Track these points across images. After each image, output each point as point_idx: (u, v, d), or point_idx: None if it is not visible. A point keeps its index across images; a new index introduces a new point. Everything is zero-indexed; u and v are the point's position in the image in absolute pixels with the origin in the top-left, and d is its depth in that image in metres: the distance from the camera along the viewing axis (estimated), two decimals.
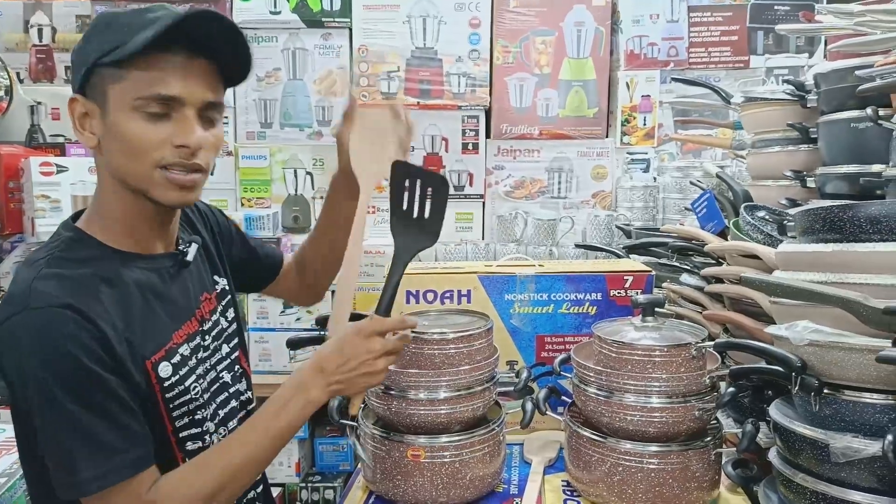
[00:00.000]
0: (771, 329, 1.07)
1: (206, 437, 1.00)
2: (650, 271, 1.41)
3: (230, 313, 1.14)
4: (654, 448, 1.08)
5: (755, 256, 1.24)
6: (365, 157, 1.09)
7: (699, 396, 1.09)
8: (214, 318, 1.08)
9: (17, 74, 2.51)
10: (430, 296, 1.40)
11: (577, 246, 2.06)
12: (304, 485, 2.25)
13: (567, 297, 1.40)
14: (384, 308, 0.99)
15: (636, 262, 1.49)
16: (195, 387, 0.98)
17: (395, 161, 1.02)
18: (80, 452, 0.84)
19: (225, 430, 1.05)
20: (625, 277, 1.40)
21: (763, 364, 1.05)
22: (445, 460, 1.12)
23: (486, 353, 1.19)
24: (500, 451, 1.19)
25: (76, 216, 0.99)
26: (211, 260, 1.13)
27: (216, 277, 1.12)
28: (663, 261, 1.61)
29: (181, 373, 0.96)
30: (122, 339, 0.89)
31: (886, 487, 0.92)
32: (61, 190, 2.04)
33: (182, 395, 0.96)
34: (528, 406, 1.21)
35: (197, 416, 0.98)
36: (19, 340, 0.84)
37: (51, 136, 2.40)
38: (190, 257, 1.03)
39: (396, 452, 1.13)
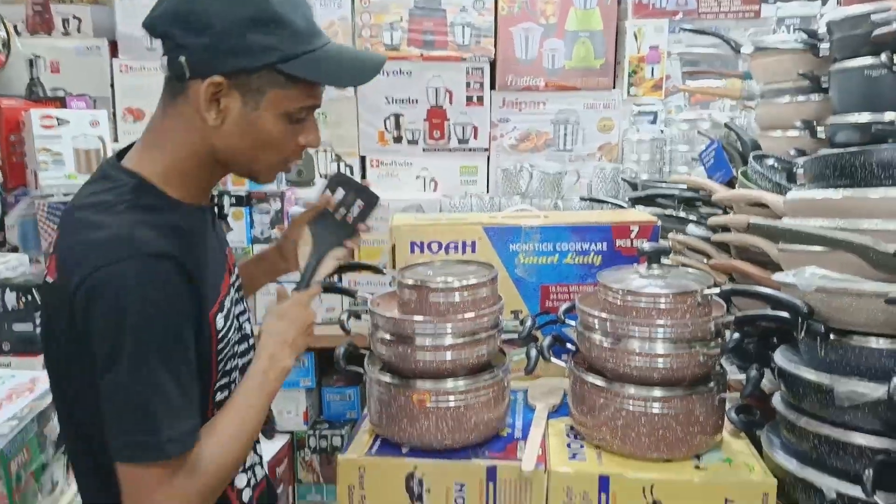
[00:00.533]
0: (778, 276, 1.07)
1: (232, 386, 1.02)
2: (656, 221, 1.40)
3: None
4: (657, 392, 1.08)
5: (763, 205, 1.24)
6: (306, 252, 1.18)
7: (703, 343, 1.09)
8: (237, 270, 1.11)
9: (15, 27, 2.46)
10: (434, 246, 1.40)
11: (583, 199, 2.05)
12: (311, 432, 2.29)
13: (572, 247, 1.39)
14: (305, 284, 1.12)
15: (642, 213, 1.48)
16: (232, 338, 1.00)
17: (336, 173, 1.28)
18: (162, 413, 0.83)
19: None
20: (630, 228, 1.39)
21: (769, 311, 1.05)
22: (450, 404, 1.13)
23: (491, 301, 1.20)
24: (504, 397, 1.20)
25: (119, 156, 0.97)
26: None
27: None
28: (669, 212, 1.60)
29: (227, 324, 0.98)
30: (201, 291, 0.91)
31: (889, 429, 0.93)
32: (63, 143, 2.02)
33: (225, 348, 0.98)
34: (533, 353, 1.21)
35: (228, 367, 1.00)
36: (127, 287, 0.81)
37: (51, 89, 2.37)
38: (227, 210, 1.07)
39: (402, 397, 1.14)
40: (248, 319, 1.12)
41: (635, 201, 1.75)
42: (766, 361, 1.16)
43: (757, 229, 1.00)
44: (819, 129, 1.44)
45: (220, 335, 0.96)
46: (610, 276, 1.19)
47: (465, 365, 1.16)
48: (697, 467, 1.09)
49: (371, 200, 1.19)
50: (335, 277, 2.10)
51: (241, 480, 1.07)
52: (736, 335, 1.07)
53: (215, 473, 0.89)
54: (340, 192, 1.18)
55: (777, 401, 1.09)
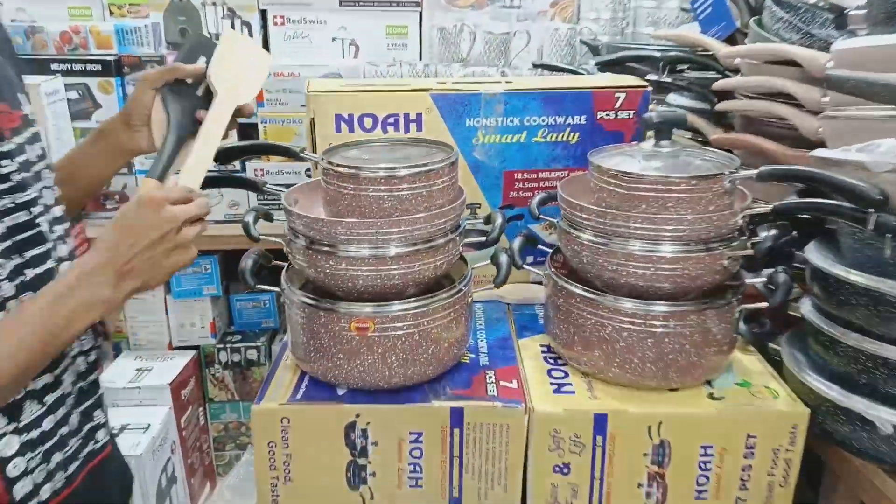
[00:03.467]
0: (822, 153, 0.82)
1: None
2: (646, 86, 1.12)
3: (41, 150, 0.80)
4: (667, 307, 0.84)
5: (788, 63, 0.97)
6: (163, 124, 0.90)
7: (726, 242, 0.85)
8: (18, 140, 0.75)
9: None
10: (367, 122, 1.06)
11: (535, 66, 1.73)
12: (221, 346, 1.99)
13: (544, 121, 1.10)
14: (159, 174, 0.84)
15: (627, 77, 1.19)
16: None
17: (196, 35, 1.03)
18: None
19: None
20: (616, 95, 1.10)
21: (820, 200, 0.81)
22: (399, 332, 0.85)
23: (450, 196, 0.90)
24: (466, 316, 0.93)
25: None
26: (14, 74, 0.80)
27: (21, 97, 0.79)
28: (650, 77, 1.31)
29: None
30: None
31: None
32: None
33: None
34: (503, 259, 0.94)
35: None
36: None
37: None
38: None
39: (336, 326, 0.85)
40: (59, 221, 0.80)
41: (604, 66, 1.45)
42: (784, 260, 0.94)
43: (839, 82, 0.73)
44: None
45: None
46: (604, 156, 0.91)
47: (419, 280, 0.87)
48: (712, 395, 0.88)
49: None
50: (237, 164, 1.73)
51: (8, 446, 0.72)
52: (772, 231, 0.83)
53: None
54: (202, 62, 0.90)
55: (808, 310, 0.88)
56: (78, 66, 1.63)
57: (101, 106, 1.69)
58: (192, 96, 0.90)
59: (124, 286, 0.70)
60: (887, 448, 0.78)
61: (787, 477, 0.86)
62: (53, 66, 1.61)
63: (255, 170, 1.73)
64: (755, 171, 0.81)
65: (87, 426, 0.83)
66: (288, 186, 0.94)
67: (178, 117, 0.87)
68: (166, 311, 1.93)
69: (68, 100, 1.62)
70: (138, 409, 1.72)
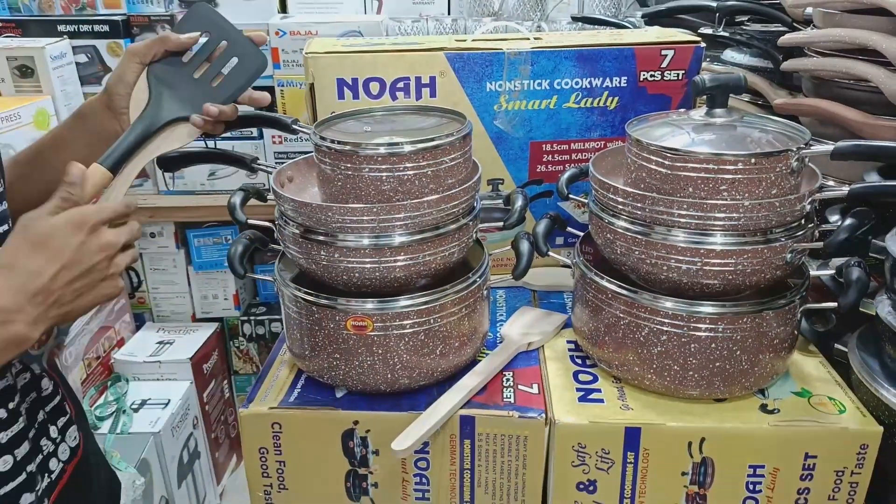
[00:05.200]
0: None
1: None
2: (698, 41, 0.96)
3: None
4: (712, 308, 0.72)
5: (875, 11, 0.81)
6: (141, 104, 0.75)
7: (790, 232, 0.71)
8: None
9: None
10: (373, 87, 0.95)
11: (575, 19, 1.57)
12: (246, 318, 1.94)
13: (577, 83, 0.96)
14: (112, 162, 0.69)
15: (675, 31, 1.03)
16: None
17: (198, 3, 0.80)
18: None
19: None
20: (662, 52, 0.95)
21: None
22: (405, 331, 0.75)
23: (463, 174, 0.78)
24: (481, 311, 0.82)
25: None
26: None
27: None
28: (705, 31, 1.15)
29: None
30: None
31: None
32: None
33: None
34: (524, 247, 0.82)
35: None
36: None
37: None
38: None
39: (331, 323, 0.75)
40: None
41: (651, 19, 1.29)
42: (857, 248, 0.80)
43: None
44: None
45: None
46: (645, 127, 0.78)
47: (426, 273, 0.76)
48: (765, 407, 0.75)
49: (252, 62, 0.77)
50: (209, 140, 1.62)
51: None
52: (850, 220, 0.69)
53: None
54: (204, 37, 0.78)
55: (886, 311, 0.74)
56: (85, 28, 1.55)
57: (111, 69, 1.61)
58: (183, 75, 0.76)
59: (41, 325, 0.57)
60: None
61: (852, 503, 0.74)
62: (60, 28, 1.53)
63: (274, 137, 1.63)
64: (830, 147, 0.67)
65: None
66: (279, 164, 0.84)
67: (158, 99, 0.74)
68: (188, 282, 1.88)
69: (77, 63, 1.55)
70: (159, 384, 1.68)
